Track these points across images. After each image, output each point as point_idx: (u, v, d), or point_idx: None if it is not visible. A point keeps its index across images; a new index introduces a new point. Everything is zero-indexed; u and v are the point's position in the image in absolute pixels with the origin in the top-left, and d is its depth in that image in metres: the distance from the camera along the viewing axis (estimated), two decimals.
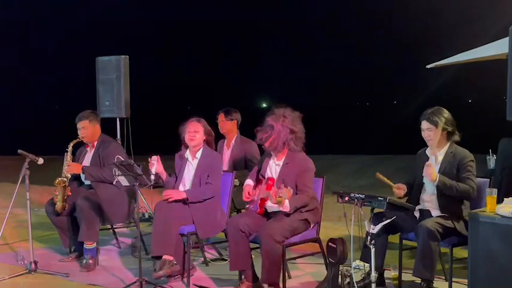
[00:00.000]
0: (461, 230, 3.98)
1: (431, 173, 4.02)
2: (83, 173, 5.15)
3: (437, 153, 4.18)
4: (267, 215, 4.37)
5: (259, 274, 4.21)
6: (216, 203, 4.68)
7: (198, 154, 4.77)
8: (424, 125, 4.14)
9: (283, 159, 4.37)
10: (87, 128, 5.24)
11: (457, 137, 4.16)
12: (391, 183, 4.19)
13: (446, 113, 4.13)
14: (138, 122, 7.17)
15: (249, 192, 4.46)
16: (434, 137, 4.11)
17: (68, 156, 5.16)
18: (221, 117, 5.85)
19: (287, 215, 4.17)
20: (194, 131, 4.73)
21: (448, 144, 4.16)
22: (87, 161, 5.29)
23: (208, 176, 4.65)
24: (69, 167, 5.10)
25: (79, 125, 5.24)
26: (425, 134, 4.17)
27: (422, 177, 4.21)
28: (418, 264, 3.90)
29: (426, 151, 4.29)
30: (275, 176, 4.36)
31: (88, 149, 5.34)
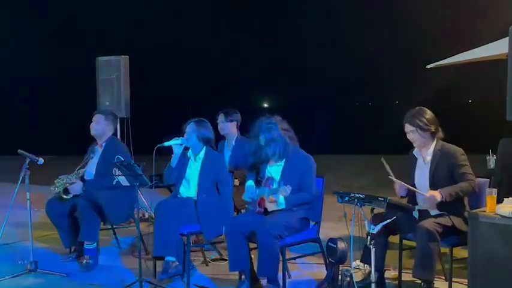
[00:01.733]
0: (460, 226, 3.96)
1: (434, 198, 3.93)
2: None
3: (425, 153, 4.18)
4: (267, 214, 4.37)
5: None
6: (224, 204, 4.69)
7: (201, 155, 4.78)
8: (407, 127, 4.15)
9: (283, 160, 4.38)
10: (99, 123, 5.27)
11: (440, 134, 4.16)
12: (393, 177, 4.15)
13: (428, 114, 4.12)
14: (138, 122, 7.17)
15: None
16: (418, 139, 4.12)
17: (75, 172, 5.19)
18: (221, 119, 5.85)
19: (286, 212, 4.19)
20: (185, 132, 4.78)
21: (434, 142, 4.16)
22: (94, 160, 5.29)
23: (219, 179, 4.69)
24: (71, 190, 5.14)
25: (94, 118, 5.29)
26: (409, 137, 4.17)
27: (414, 178, 4.24)
28: (417, 266, 3.89)
29: (414, 152, 4.29)
30: (277, 176, 4.36)
31: (97, 147, 5.34)
